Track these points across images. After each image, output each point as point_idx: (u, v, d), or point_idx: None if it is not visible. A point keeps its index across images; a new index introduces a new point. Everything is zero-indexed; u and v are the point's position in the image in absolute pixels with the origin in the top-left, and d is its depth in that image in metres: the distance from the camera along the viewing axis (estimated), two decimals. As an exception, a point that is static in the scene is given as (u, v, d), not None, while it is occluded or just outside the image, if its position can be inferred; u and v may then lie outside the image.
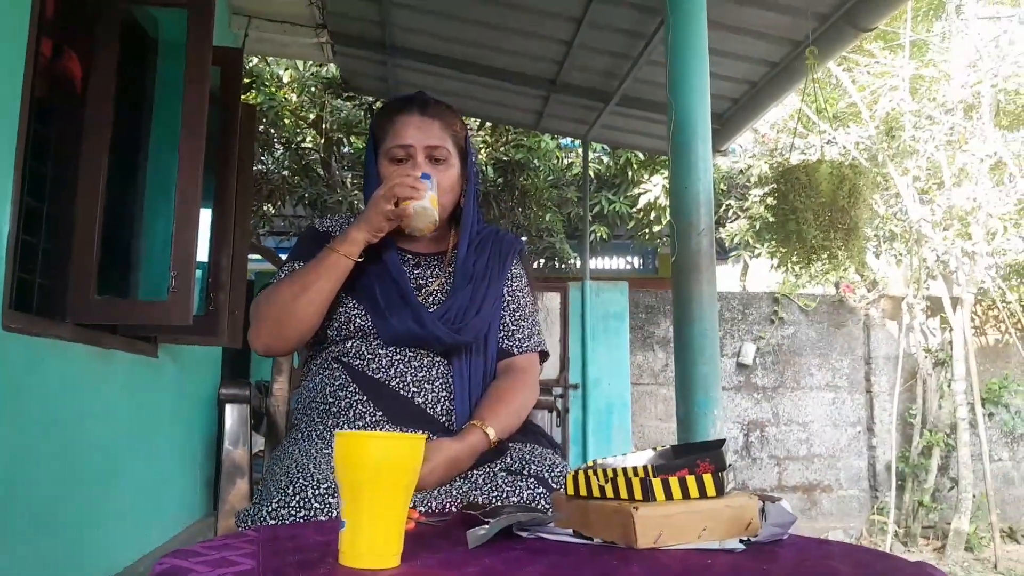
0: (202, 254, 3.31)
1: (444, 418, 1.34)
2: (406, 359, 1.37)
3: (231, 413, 1.38)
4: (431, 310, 1.40)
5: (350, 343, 1.39)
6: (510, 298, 1.52)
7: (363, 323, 1.39)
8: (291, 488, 1.13)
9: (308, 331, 1.39)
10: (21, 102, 2.14)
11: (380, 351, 1.37)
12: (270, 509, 1.11)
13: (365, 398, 1.32)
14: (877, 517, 6.17)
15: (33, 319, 2.29)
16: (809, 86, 3.45)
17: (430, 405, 1.34)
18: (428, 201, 1.33)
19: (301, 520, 1.09)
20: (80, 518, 2.61)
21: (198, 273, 3.00)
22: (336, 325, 1.40)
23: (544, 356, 1.56)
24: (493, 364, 1.46)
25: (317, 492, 1.12)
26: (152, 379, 3.41)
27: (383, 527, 0.74)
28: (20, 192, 2.16)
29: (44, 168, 2.61)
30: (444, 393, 1.36)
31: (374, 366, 1.36)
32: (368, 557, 0.73)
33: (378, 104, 6.47)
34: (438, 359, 1.39)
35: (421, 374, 1.36)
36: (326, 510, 1.10)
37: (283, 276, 1.43)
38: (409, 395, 1.34)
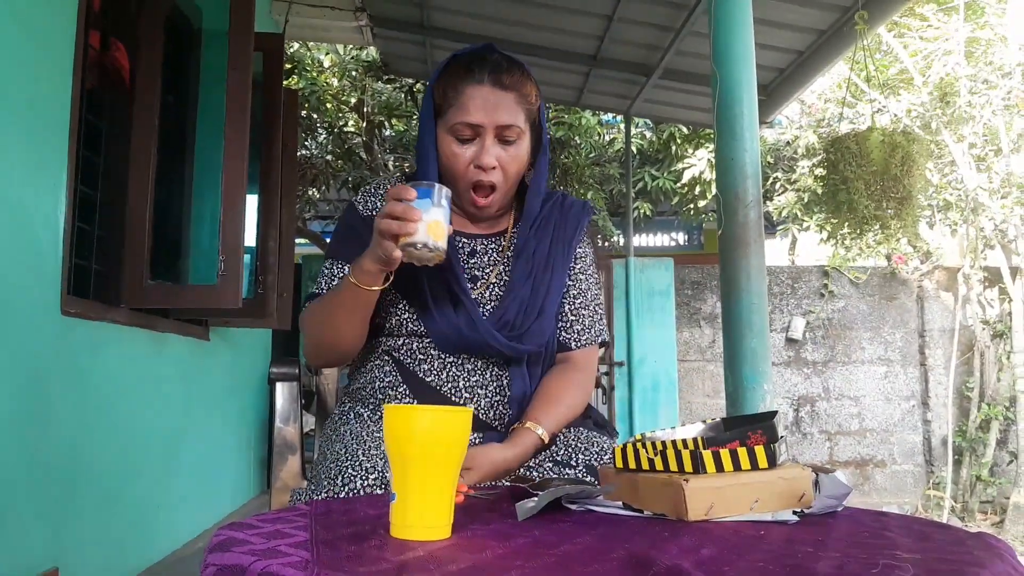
0: (250, 239, 3.37)
1: (497, 423, 1.28)
2: (459, 362, 1.28)
3: (281, 391, 1.39)
4: (487, 307, 1.30)
5: (402, 340, 1.31)
6: (571, 283, 1.38)
7: (415, 327, 1.29)
8: (340, 479, 1.13)
9: (351, 352, 1.32)
10: (72, 94, 2.19)
11: (432, 352, 1.29)
12: (320, 499, 1.12)
13: (414, 400, 1.27)
14: (933, 492, 6.05)
15: (90, 304, 2.36)
16: (858, 53, 3.35)
17: (483, 411, 1.27)
18: (423, 234, 1.08)
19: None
20: (142, 496, 2.69)
21: (246, 257, 3.05)
22: (388, 324, 1.32)
23: (604, 346, 1.42)
24: (546, 367, 1.34)
25: (366, 483, 1.12)
26: (205, 361, 3.49)
27: (432, 499, 0.75)
28: (74, 181, 2.22)
29: (96, 158, 2.67)
30: (498, 398, 1.28)
31: (425, 367, 1.28)
32: (418, 528, 0.74)
33: (413, 86, 6.48)
34: (492, 361, 1.30)
35: (475, 379, 1.28)
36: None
37: (321, 293, 1.33)
38: (461, 401, 1.27)
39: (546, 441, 1.22)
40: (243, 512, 3.97)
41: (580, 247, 1.42)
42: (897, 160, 2.71)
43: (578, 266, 1.40)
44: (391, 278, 1.19)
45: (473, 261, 1.35)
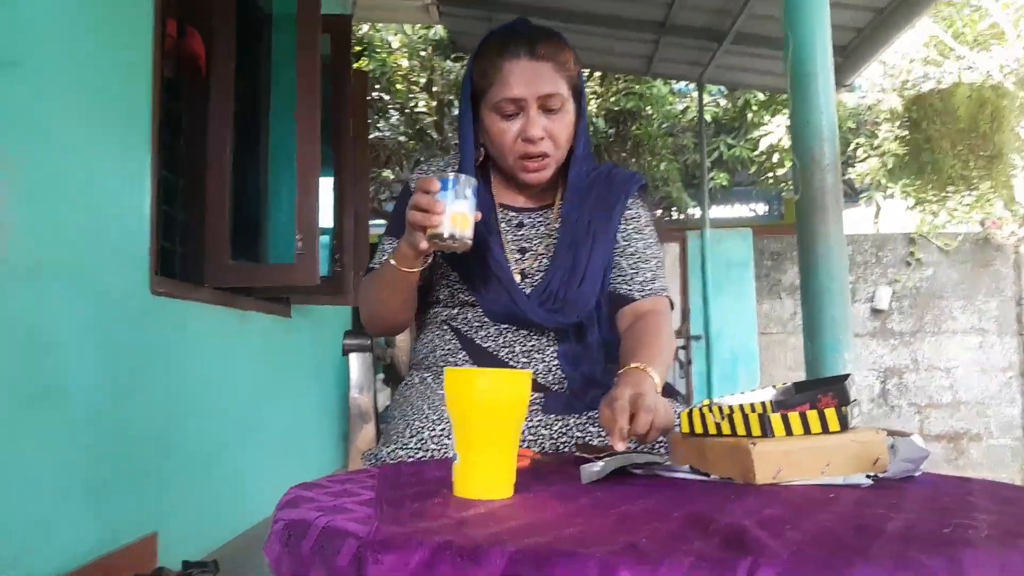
0: (327, 219, 3.45)
1: (557, 386, 1.31)
2: (514, 329, 1.31)
3: (355, 362, 1.43)
4: (536, 279, 1.32)
5: (457, 310, 1.35)
6: (625, 243, 1.38)
7: (466, 297, 1.33)
8: (408, 431, 1.17)
9: (401, 324, 1.37)
10: (152, 83, 2.27)
11: (487, 319, 1.32)
12: (389, 450, 1.16)
13: (475, 366, 1.29)
14: (1032, 467, 5.78)
15: (177, 284, 2.46)
16: (945, 8, 3.17)
17: (541, 375, 1.30)
18: (447, 225, 1.11)
19: (420, 459, 1.13)
20: (231, 466, 2.81)
21: (324, 237, 3.12)
22: (443, 293, 1.36)
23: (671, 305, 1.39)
24: (603, 329, 1.35)
25: (433, 433, 1.15)
26: (287, 338, 3.61)
27: (494, 459, 0.75)
28: (157, 167, 2.31)
29: (176, 144, 2.78)
30: (555, 362, 1.31)
31: (482, 334, 1.32)
32: (480, 488, 0.75)
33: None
34: (547, 329, 1.31)
35: (531, 343, 1.31)
36: (442, 451, 1.14)
37: (375, 268, 1.36)
38: (519, 366, 1.29)
39: (658, 384, 1.15)
40: (327, 484, 4.10)
41: (631, 210, 1.41)
42: (986, 116, 2.58)
43: (631, 226, 1.40)
44: (429, 260, 1.23)
45: (521, 233, 1.37)
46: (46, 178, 1.71)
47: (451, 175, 1.12)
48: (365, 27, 6.51)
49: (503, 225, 1.37)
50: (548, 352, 1.31)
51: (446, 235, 1.11)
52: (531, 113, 1.26)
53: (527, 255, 1.35)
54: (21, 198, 1.62)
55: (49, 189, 1.73)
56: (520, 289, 1.30)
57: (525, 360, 1.30)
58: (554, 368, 1.31)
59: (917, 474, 0.92)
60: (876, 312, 6.09)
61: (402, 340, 1.70)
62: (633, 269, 1.37)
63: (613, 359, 1.35)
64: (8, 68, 1.58)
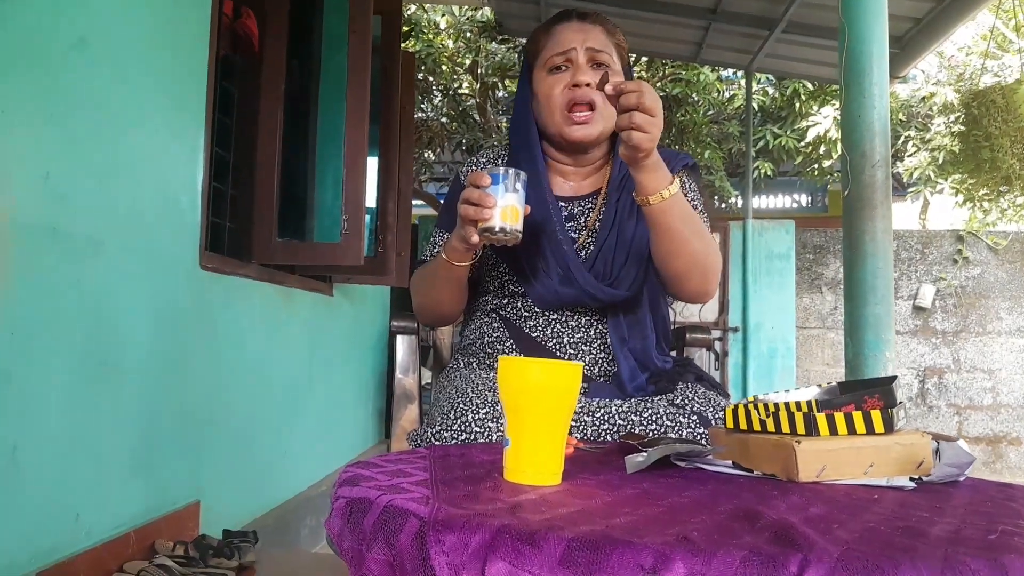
0: (370, 200, 3.48)
1: (603, 379, 1.33)
2: (563, 319, 1.33)
3: (402, 344, 1.47)
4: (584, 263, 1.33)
5: (506, 299, 1.38)
6: None
7: (515, 288, 1.35)
8: (452, 413, 1.20)
9: (452, 315, 1.41)
10: (208, 61, 2.32)
11: (536, 309, 1.34)
12: (434, 431, 1.19)
13: (521, 355, 1.32)
14: (1074, 474, 5.66)
15: (225, 259, 2.52)
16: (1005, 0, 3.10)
17: (588, 367, 1.32)
18: (498, 219, 1.13)
19: (463, 441, 1.16)
20: (271, 439, 2.88)
21: (367, 217, 3.16)
22: (492, 284, 1.39)
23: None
24: (652, 318, 1.36)
25: (477, 416, 1.18)
26: (328, 316, 3.67)
27: (544, 446, 0.78)
28: (210, 144, 2.36)
29: (228, 121, 2.83)
30: (602, 355, 1.33)
31: (531, 323, 1.34)
32: (530, 473, 0.77)
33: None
34: (595, 318, 1.34)
35: (579, 335, 1.33)
36: (485, 433, 1.17)
37: (427, 260, 1.39)
38: (566, 357, 1.32)
39: (675, 188, 1.18)
40: (362, 459, 4.18)
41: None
42: (1047, 115, 2.52)
43: None
44: (480, 254, 1.26)
45: (570, 225, 1.38)
46: (108, 154, 1.77)
47: (501, 169, 1.14)
48: (413, 7, 6.53)
49: (555, 217, 1.37)
50: (595, 344, 1.33)
51: (497, 228, 1.14)
52: (580, 62, 1.30)
53: (575, 245, 1.36)
54: (86, 174, 1.68)
55: (111, 165, 1.78)
56: (579, 262, 1.31)
57: (573, 352, 1.33)
58: (601, 360, 1.33)
59: (961, 479, 0.92)
60: (919, 310, 5.99)
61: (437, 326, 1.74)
62: None
63: (663, 338, 1.38)
64: (76, 47, 1.63)
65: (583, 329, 1.33)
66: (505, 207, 1.13)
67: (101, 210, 1.74)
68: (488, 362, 1.36)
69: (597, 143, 1.37)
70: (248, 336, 2.67)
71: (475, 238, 1.16)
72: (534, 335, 1.33)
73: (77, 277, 1.65)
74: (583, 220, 1.38)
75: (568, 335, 1.33)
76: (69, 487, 1.63)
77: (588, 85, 1.29)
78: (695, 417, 1.22)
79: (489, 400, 1.20)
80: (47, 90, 1.54)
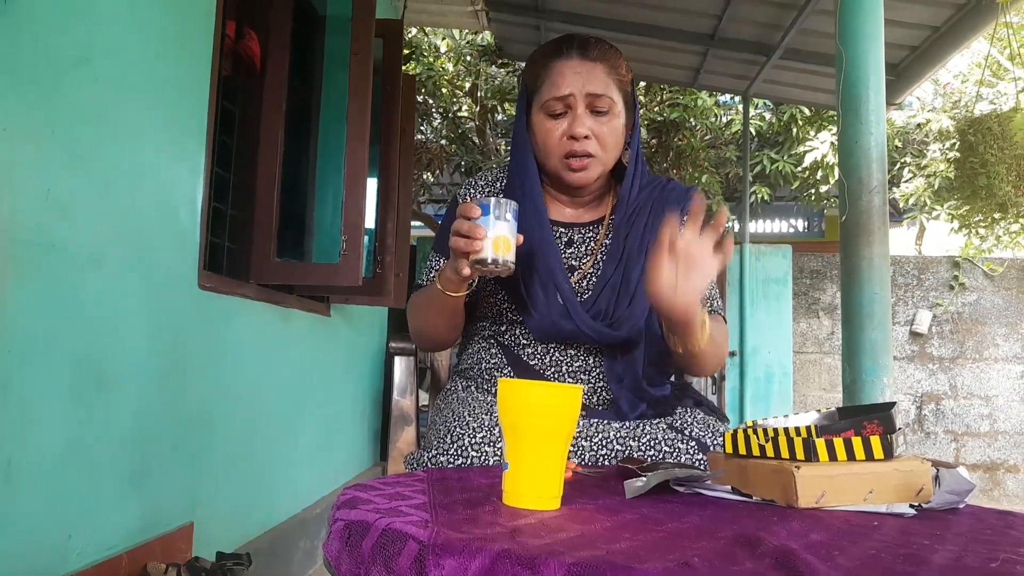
0: (369, 220, 3.49)
1: (603, 407, 1.31)
2: (561, 348, 1.31)
3: (400, 365, 1.46)
4: (583, 296, 1.30)
5: (504, 327, 1.35)
6: None
7: (514, 316, 1.33)
8: (449, 437, 1.19)
9: (448, 341, 1.38)
10: (211, 81, 2.33)
11: (535, 338, 1.31)
12: (431, 455, 1.19)
13: None
14: (1072, 502, 5.64)
15: (223, 279, 2.52)
16: (1000, 29, 3.14)
17: (586, 395, 1.30)
18: (489, 251, 1.11)
19: (459, 465, 1.16)
20: (267, 460, 2.86)
21: (366, 238, 3.17)
22: (491, 311, 1.36)
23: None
24: (647, 351, 1.32)
25: (473, 440, 1.17)
26: (325, 337, 3.66)
27: (543, 470, 0.77)
28: (211, 164, 2.37)
29: (230, 141, 2.84)
30: (601, 383, 1.31)
31: (529, 351, 1.32)
32: (529, 498, 0.77)
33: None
34: (594, 348, 1.31)
35: (577, 364, 1.30)
36: (482, 457, 1.16)
37: (423, 284, 1.38)
38: None
39: (706, 330, 1.17)
40: (358, 480, 4.15)
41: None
42: (1042, 144, 2.54)
43: None
44: (474, 285, 1.24)
45: (571, 251, 1.35)
46: (109, 171, 1.77)
47: (492, 200, 1.12)
48: (413, 30, 6.59)
49: (552, 244, 1.35)
50: (593, 374, 1.31)
51: (489, 260, 1.12)
52: (578, 111, 1.26)
53: (575, 273, 1.34)
54: (87, 190, 1.68)
55: (112, 182, 1.78)
56: (577, 302, 1.28)
57: (571, 380, 1.31)
58: (599, 389, 1.31)
59: (961, 506, 0.92)
60: (915, 336, 6.00)
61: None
62: None
63: (663, 362, 1.35)
64: (79, 64, 1.64)
65: (582, 358, 1.31)
66: (496, 238, 1.11)
67: (101, 227, 1.74)
68: (486, 386, 1.35)
69: (596, 183, 1.35)
70: (245, 356, 2.66)
71: (467, 271, 1.13)
72: (532, 363, 1.32)
73: (75, 293, 1.65)
74: (583, 248, 1.36)
75: (567, 364, 1.31)
76: (62, 506, 1.61)
77: (587, 137, 1.27)
78: (693, 443, 1.21)
79: (486, 424, 1.19)
80: (49, 107, 1.55)
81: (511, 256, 1.13)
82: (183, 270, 2.19)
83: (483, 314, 1.38)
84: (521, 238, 1.16)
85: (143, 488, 1.95)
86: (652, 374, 1.32)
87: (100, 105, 1.73)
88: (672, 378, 1.44)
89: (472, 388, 1.36)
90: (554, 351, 1.31)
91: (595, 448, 1.21)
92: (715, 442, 1.22)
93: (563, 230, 1.37)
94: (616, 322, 1.28)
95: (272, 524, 2.88)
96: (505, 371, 1.33)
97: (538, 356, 1.31)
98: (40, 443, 1.53)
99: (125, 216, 1.85)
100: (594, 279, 1.32)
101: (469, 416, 1.22)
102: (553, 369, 1.31)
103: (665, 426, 1.23)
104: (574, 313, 1.26)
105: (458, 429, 1.20)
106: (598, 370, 1.31)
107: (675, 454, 1.19)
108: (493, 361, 1.35)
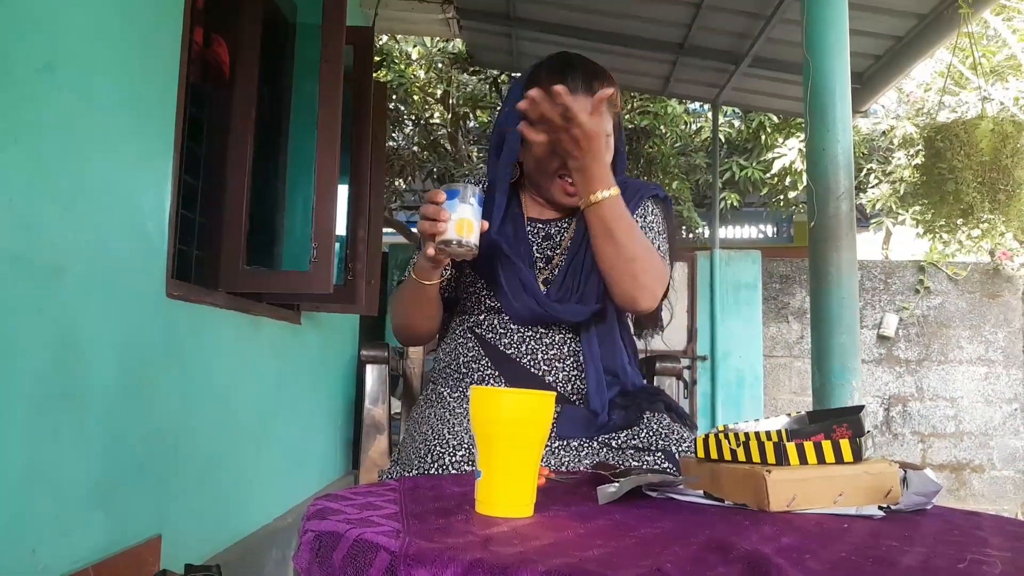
0: (340, 227, 3.47)
1: (576, 397, 1.35)
2: (537, 335, 1.36)
3: (371, 373, 1.45)
4: (552, 280, 1.38)
5: (483, 316, 1.40)
6: None
7: (492, 303, 1.39)
8: (429, 456, 1.19)
9: (428, 334, 1.45)
10: (178, 89, 2.31)
11: (512, 326, 1.37)
12: (411, 476, 1.17)
13: (497, 372, 1.35)
14: (1035, 500, 5.76)
15: (192, 287, 2.49)
16: (962, 39, 3.20)
17: (560, 384, 1.35)
18: (452, 232, 1.17)
19: None
20: (237, 471, 2.82)
21: (337, 245, 3.15)
22: (469, 302, 1.42)
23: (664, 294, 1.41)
24: (620, 333, 1.40)
25: (453, 459, 1.18)
26: (296, 344, 3.63)
27: (516, 478, 0.77)
28: (179, 171, 2.34)
29: (197, 148, 2.81)
30: (575, 372, 1.36)
31: (505, 341, 1.37)
32: (502, 505, 0.76)
33: (503, 76, 6.52)
34: (569, 335, 1.37)
35: (552, 352, 1.36)
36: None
37: (404, 281, 1.41)
38: (540, 373, 1.35)
39: (612, 193, 1.26)
40: (330, 490, 4.11)
41: (640, 209, 1.45)
42: (1008, 151, 2.59)
43: (638, 223, 1.42)
44: (446, 273, 1.32)
45: (547, 244, 1.44)
46: (74, 180, 1.74)
47: (457, 185, 1.18)
48: (384, 37, 6.57)
49: (531, 237, 1.44)
50: (568, 362, 1.36)
51: (453, 241, 1.17)
52: None
53: (551, 263, 1.42)
54: (51, 200, 1.65)
55: (76, 191, 1.75)
56: (542, 293, 1.36)
57: (546, 368, 1.35)
58: (574, 377, 1.36)
59: (929, 507, 0.93)
60: (883, 339, 6.09)
61: (415, 352, 1.72)
62: None
63: (634, 357, 1.44)
64: (43, 71, 1.61)
65: (557, 346, 1.36)
66: (459, 220, 1.17)
67: (65, 237, 1.71)
68: (462, 388, 1.37)
69: None
70: (214, 365, 2.62)
71: (431, 251, 1.20)
72: (508, 352, 1.36)
73: (39, 305, 1.61)
74: (558, 239, 1.44)
75: (543, 352, 1.36)
76: (26, 519, 1.58)
77: None
78: (660, 454, 1.25)
79: (465, 442, 1.20)
80: (11, 114, 1.52)
81: (474, 238, 1.19)
82: (151, 279, 2.16)
83: (462, 307, 1.45)
84: (486, 224, 1.21)
85: (110, 501, 1.91)
86: (625, 361, 1.39)
87: (64, 113, 1.70)
88: (645, 382, 1.46)
89: (446, 396, 1.36)
90: (530, 340, 1.36)
91: (570, 455, 1.22)
92: (680, 449, 1.26)
93: (541, 226, 1.45)
94: (583, 296, 1.36)
95: (242, 535, 2.84)
96: (483, 362, 1.37)
97: (515, 345, 1.36)
98: (3, 458, 1.50)
99: (90, 225, 1.82)
100: (563, 263, 1.41)
101: (449, 433, 1.22)
102: (529, 357, 1.36)
103: (632, 450, 1.27)
104: (541, 302, 1.33)
105: (438, 448, 1.20)
106: (573, 358, 1.36)
107: (642, 464, 1.22)
108: (471, 354, 1.39)
